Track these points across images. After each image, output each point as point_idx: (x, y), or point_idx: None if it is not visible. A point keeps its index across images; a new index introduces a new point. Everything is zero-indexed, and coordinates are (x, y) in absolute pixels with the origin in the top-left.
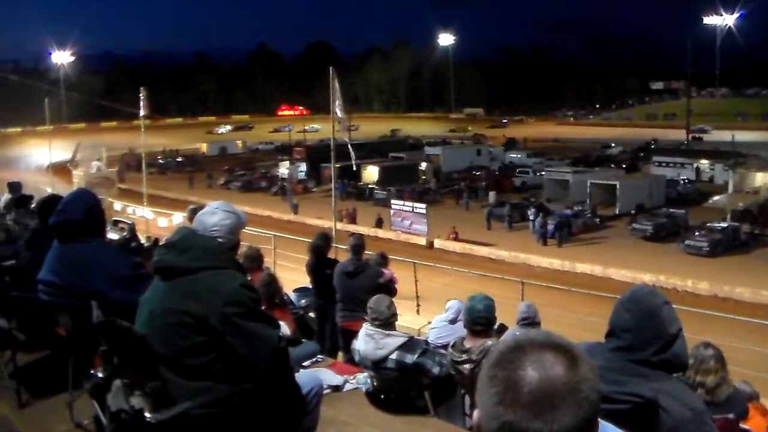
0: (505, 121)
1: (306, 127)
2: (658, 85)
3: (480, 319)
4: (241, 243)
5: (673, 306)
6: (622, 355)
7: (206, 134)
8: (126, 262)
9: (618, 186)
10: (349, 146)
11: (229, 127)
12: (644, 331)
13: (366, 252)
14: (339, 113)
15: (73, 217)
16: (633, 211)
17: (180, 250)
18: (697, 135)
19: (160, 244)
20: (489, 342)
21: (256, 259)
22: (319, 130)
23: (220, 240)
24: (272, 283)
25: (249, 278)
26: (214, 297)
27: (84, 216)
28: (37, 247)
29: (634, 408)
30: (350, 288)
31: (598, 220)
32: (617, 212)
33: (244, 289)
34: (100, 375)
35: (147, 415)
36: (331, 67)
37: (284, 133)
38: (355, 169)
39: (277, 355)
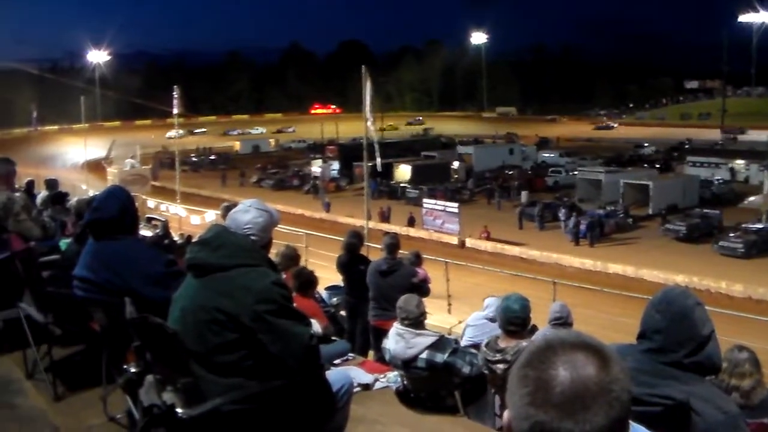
0: (419, 118)
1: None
2: (692, 84)
3: (516, 320)
4: (277, 242)
5: (706, 308)
6: (653, 356)
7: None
8: (159, 260)
9: (651, 186)
10: (375, 146)
11: (181, 131)
12: (676, 333)
13: (400, 251)
14: (369, 113)
15: (107, 215)
16: (663, 211)
17: (213, 247)
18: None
19: (193, 241)
20: (524, 343)
21: (293, 258)
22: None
23: (253, 238)
24: (304, 271)
25: (284, 276)
26: (245, 294)
27: (118, 213)
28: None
29: (665, 410)
30: (383, 287)
31: (630, 220)
32: (650, 212)
33: (275, 287)
34: (133, 370)
35: (179, 410)
36: (363, 66)
37: (232, 136)
38: (380, 169)
39: (308, 352)
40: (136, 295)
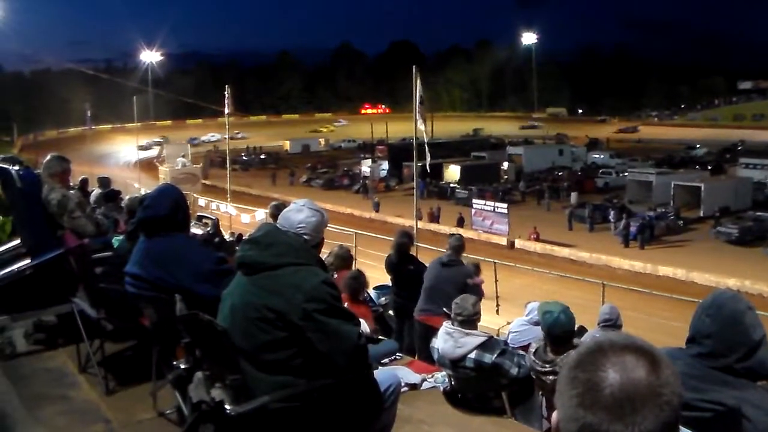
0: (341, 120)
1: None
2: (745, 85)
3: (564, 333)
4: (328, 241)
5: (758, 312)
6: (703, 361)
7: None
8: (210, 257)
9: (703, 188)
10: (426, 146)
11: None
12: (727, 338)
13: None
14: (419, 113)
15: (160, 212)
16: (717, 214)
17: (263, 245)
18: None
19: (244, 239)
20: (573, 352)
21: (346, 259)
22: (246, 137)
23: (305, 237)
24: (360, 278)
25: (335, 276)
26: (295, 293)
27: (170, 211)
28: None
29: (716, 416)
30: (440, 278)
31: (681, 222)
32: (701, 215)
33: (325, 286)
34: (182, 366)
35: (227, 407)
36: (414, 66)
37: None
38: (428, 170)
39: (357, 351)
40: (187, 292)
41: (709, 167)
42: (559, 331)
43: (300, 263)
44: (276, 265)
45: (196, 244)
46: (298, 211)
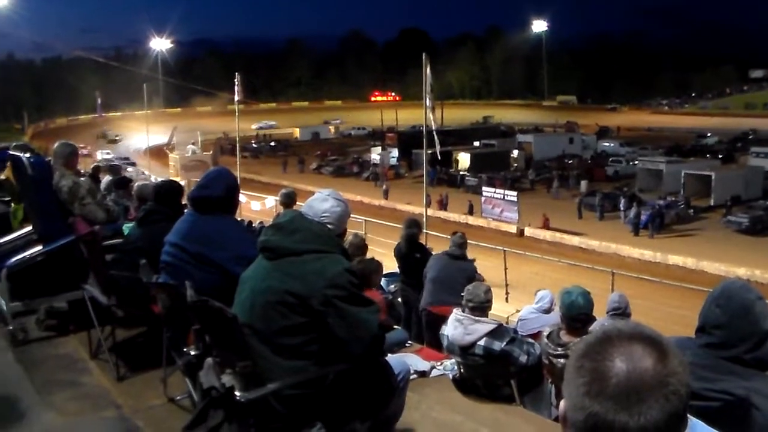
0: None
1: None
2: (757, 74)
3: (581, 315)
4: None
5: None
6: (712, 351)
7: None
8: (253, 243)
9: (713, 177)
10: (435, 134)
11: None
12: (736, 328)
13: None
14: (429, 100)
15: (215, 194)
16: (729, 203)
17: (288, 231)
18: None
19: (268, 225)
20: (582, 339)
21: (361, 247)
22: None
23: (329, 226)
24: (370, 265)
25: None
26: (317, 278)
27: (224, 193)
28: (150, 226)
29: (724, 406)
30: (450, 269)
31: (691, 211)
32: (712, 204)
33: (347, 274)
34: (192, 353)
35: (237, 393)
36: (424, 54)
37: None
38: (439, 157)
39: (374, 340)
40: (224, 270)
41: (720, 156)
42: (576, 313)
43: (324, 251)
44: (300, 251)
45: (243, 229)
46: (323, 201)
